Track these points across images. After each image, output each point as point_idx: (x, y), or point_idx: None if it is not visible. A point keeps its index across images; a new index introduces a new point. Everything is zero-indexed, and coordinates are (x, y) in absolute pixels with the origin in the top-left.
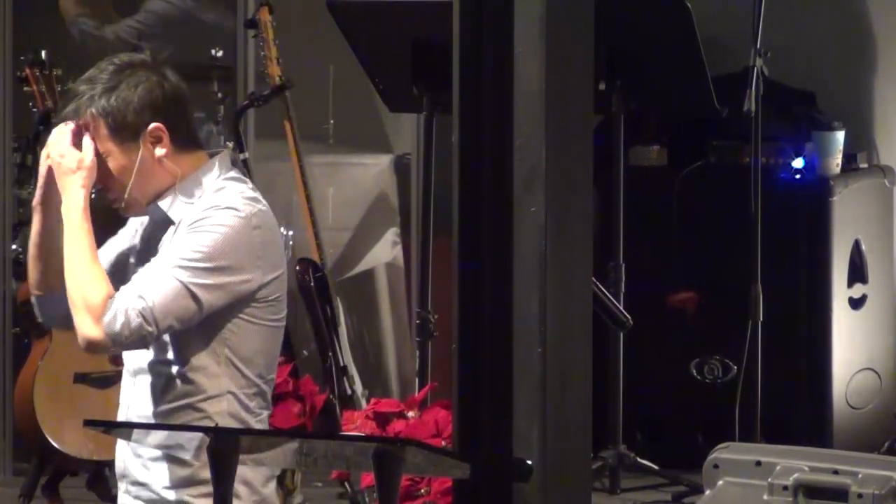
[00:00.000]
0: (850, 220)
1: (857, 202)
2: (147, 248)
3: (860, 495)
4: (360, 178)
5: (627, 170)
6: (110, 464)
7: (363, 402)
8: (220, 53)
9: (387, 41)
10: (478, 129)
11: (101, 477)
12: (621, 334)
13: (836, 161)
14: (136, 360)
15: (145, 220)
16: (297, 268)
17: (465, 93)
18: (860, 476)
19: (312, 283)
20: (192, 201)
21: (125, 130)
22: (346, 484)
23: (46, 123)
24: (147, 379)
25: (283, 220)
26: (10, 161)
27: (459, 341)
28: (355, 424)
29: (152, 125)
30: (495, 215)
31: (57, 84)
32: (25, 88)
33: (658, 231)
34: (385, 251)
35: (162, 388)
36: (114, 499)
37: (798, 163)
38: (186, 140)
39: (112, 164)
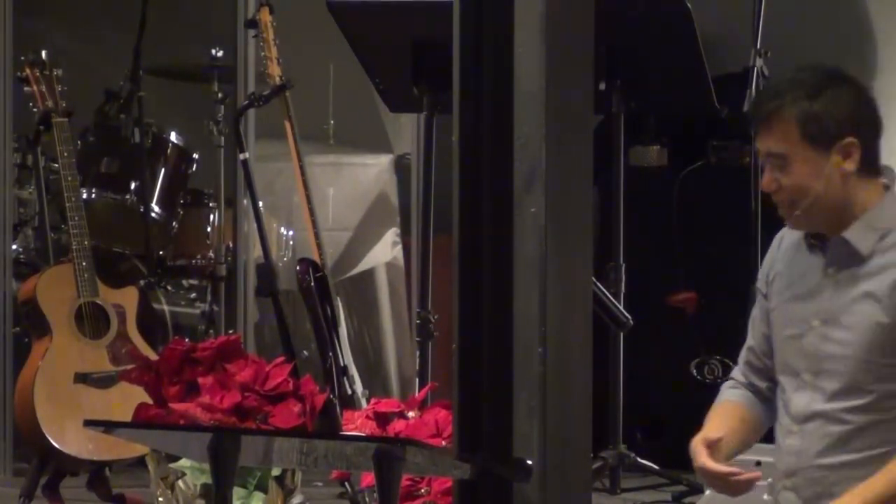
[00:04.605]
0: None
1: None
2: (809, 282)
3: None
4: (361, 178)
5: (627, 170)
6: (110, 464)
7: (363, 402)
8: (220, 53)
9: (387, 41)
10: (478, 129)
11: (102, 477)
12: (621, 334)
13: None
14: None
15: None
16: (298, 268)
17: (465, 93)
18: None
19: (313, 283)
20: (878, 231)
21: (819, 137)
22: (347, 484)
23: (46, 123)
24: (824, 427)
25: (283, 220)
26: (10, 161)
27: (459, 341)
28: (355, 424)
29: (848, 139)
30: (495, 215)
31: (57, 84)
32: (25, 88)
33: (658, 231)
34: (385, 251)
35: (846, 436)
36: (114, 499)
37: None
38: (872, 165)
39: (795, 167)
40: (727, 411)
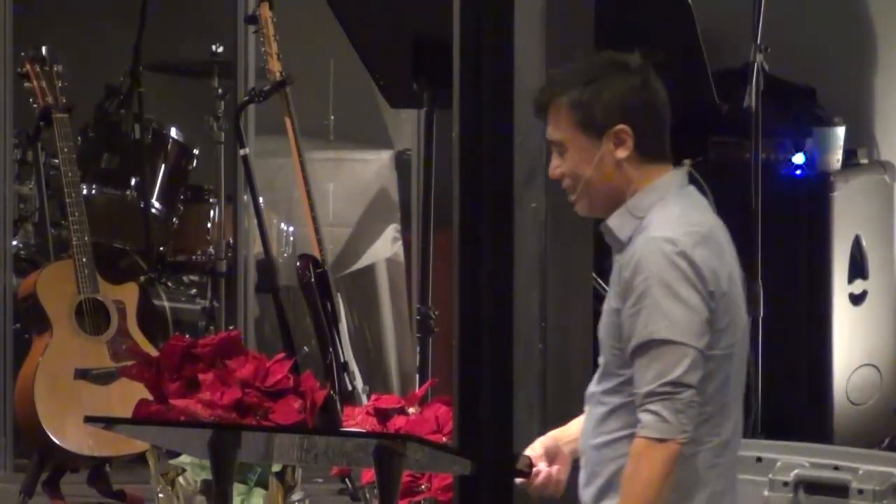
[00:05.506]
0: (850, 215)
1: (857, 198)
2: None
3: (860, 491)
4: (361, 173)
5: None
6: (111, 460)
7: (364, 398)
8: (220, 49)
9: (387, 37)
10: (478, 126)
11: (102, 473)
12: None
13: (837, 157)
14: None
15: None
16: (298, 264)
17: (466, 89)
18: (861, 472)
19: (313, 279)
20: (638, 219)
21: (590, 125)
22: (347, 480)
23: (47, 119)
24: (593, 409)
25: (283, 216)
26: (10, 156)
27: (460, 337)
28: (356, 420)
29: (618, 126)
30: (496, 211)
31: (57, 80)
32: (26, 84)
33: None
34: (385, 247)
35: (602, 418)
36: (114, 495)
37: (798, 159)
38: (653, 151)
39: (571, 153)
40: None
